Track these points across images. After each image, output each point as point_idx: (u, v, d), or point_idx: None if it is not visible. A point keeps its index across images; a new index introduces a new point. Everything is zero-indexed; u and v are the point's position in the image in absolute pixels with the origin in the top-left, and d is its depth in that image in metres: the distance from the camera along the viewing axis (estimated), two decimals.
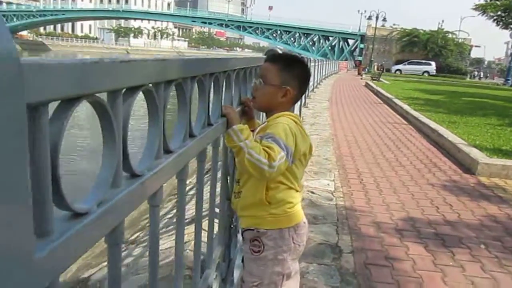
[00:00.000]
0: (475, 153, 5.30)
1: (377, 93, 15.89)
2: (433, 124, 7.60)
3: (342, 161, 5.27)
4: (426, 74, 43.91)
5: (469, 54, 60.17)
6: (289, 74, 1.58)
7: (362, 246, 2.90)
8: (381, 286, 2.42)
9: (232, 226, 1.83)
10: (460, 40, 56.13)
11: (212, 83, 1.25)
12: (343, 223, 3.27)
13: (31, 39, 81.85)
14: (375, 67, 37.61)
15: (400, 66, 46.05)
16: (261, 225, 1.55)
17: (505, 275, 2.64)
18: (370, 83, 20.78)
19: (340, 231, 3.12)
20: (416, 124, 8.46)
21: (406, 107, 10.44)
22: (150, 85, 0.81)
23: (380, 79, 25.33)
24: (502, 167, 4.85)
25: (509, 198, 4.15)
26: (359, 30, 61.13)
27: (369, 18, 53.60)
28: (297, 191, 1.59)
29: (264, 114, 1.79)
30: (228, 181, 1.70)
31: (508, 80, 35.22)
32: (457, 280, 2.53)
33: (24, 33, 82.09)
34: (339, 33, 63.27)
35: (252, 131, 1.65)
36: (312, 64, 11.45)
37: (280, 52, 2.86)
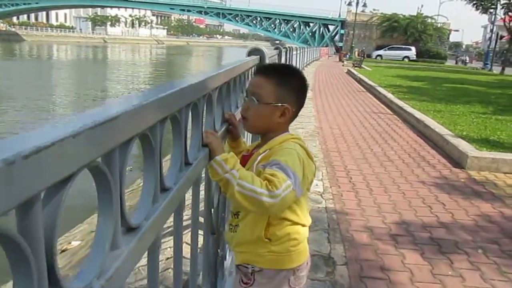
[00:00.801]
0: (463, 145, 5.19)
1: (359, 81, 15.79)
2: (418, 114, 7.50)
3: (329, 157, 5.11)
4: (406, 60, 44.09)
5: (448, 38, 60.63)
6: (285, 89, 1.36)
7: (356, 256, 2.74)
8: None
9: (218, 257, 1.63)
10: (439, 25, 56.43)
11: (190, 113, 1.03)
12: (335, 230, 3.11)
13: (3, 29, 79.29)
14: (356, 53, 37.59)
15: (381, 52, 46.09)
16: (258, 263, 1.35)
17: (506, 284, 2.52)
18: (352, 70, 20.68)
19: (332, 239, 2.95)
20: (401, 114, 8.36)
21: (390, 96, 10.33)
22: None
23: (362, 65, 25.25)
24: (491, 160, 4.76)
25: (501, 194, 4.05)
26: (340, 15, 60.90)
27: (349, 3, 53.40)
28: (304, 225, 1.37)
29: (249, 135, 1.58)
30: (212, 213, 1.49)
31: (487, 64, 35.59)
32: None
33: None
34: (320, 19, 62.92)
35: (242, 153, 1.46)
36: (294, 52, 11.23)
37: (268, 60, 2.63)
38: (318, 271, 2.52)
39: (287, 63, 8.37)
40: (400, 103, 9.07)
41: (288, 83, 1.38)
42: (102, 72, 26.94)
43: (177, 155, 0.97)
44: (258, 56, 2.52)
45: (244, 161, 1.35)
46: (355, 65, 25.50)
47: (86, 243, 4.66)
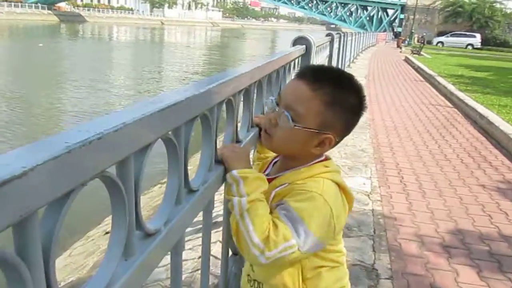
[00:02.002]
0: None
1: (417, 69, 15.00)
2: (481, 109, 6.93)
3: (380, 153, 4.80)
4: (470, 47, 41.59)
5: None
6: (336, 111, 0.99)
7: (403, 269, 2.50)
8: None
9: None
10: (508, 11, 52.63)
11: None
12: (381, 237, 2.86)
13: (68, 10, 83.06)
14: (416, 39, 35.89)
15: (442, 38, 43.74)
16: None
17: None
18: (410, 57, 19.71)
19: (377, 248, 2.72)
20: (461, 107, 7.79)
21: (450, 87, 9.68)
22: None
23: (421, 52, 24.04)
24: None
25: None
26: None
27: None
28: (343, 264, 1.11)
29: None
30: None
31: None
32: None
33: (62, 4, 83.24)
34: (378, 2, 60.58)
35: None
36: (349, 38, 10.80)
37: (315, 51, 2.33)
38: (359, 284, 2.31)
39: (340, 54, 7.77)
40: (461, 95, 8.46)
41: (342, 102, 1.00)
42: (159, 55, 27.54)
43: (207, 155, 0.90)
44: (304, 46, 2.31)
45: None
46: (414, 52, 24.33)
47: None
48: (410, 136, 5.68)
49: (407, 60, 19.23)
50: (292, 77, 1.90)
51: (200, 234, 3.18)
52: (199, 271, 2.47)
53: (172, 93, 0.64)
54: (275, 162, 1.14)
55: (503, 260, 2.67)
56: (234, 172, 0.94)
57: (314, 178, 0.98)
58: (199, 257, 2.73)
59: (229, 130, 1.02)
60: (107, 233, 4.87)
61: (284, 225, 0.90)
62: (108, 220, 5.53)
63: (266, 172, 1.10)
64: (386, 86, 10.66)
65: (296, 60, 2.15)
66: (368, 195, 3.54)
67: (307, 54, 2.34)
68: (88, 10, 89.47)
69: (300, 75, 1.04)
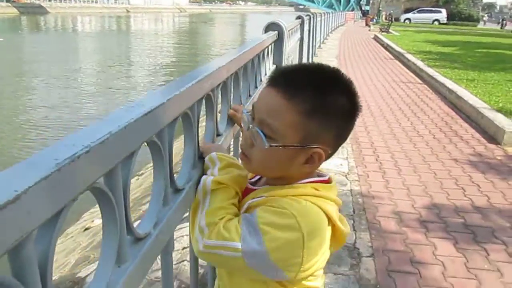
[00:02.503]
0: (500, 119, 4.86)
1: (387, 47, 15.17)
2: (450, 84, 7.10)
3: (355, 133, 4.87)
4: (436, 23, 42.24)
5: None
6: (321, 120, 0.81)
7: (383, 247, 2.57)
8: None
9: None
10: None
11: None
12: (360, 216, 2.93)
13: (28, 1, 79.95)
14: (383, 17, 36.22)
15: (409, 15, 44.24)
16: None
17: None
18: (379, 35, 19.90)
19: (357, 227, 2.78)
20: (431, 84, 7.95)
21: (419, 63, 9.86)
22: None
23: (390, 30, 24.29)
24: None
25: None
26: None
27: None
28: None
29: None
30: None
31: None
32: None
33: None
34: None
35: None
36: (318, 19, 10.81)
37: (287, 35, 2.23)
38: (342, 264, 2.36)
39: (310, 36, 7.48)
40: (431, 71, 8.63)
41: (327, 107, 0.81)
42: (126, 44, 26.89)
43: (190, 152, 0.88)
44: (276, 32, 2.29)
45: (244, 195, 0.91)
46: (382, 30, 24.55)
47: None
48: (383, 114, 5.78)
49: (376, 38, 19.41)
50: (266, 75, 1.84)
51: (183, 225, 3.17)
52: (184, 262, 2.48)
53: (153, 96, 0.64)
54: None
55: (477, 231, 2.78)
56: (214, 154, 0.89)
57: (295, 197, 0.82)
58: (183, 248, 2.73)
59: (209, 125, 1.01)
60: (86, 229, 4.80)
61: (238, 225, 0.79)
62: (87, 216, 5.45)
63: (253, 180, 0.97)
64: (357, 65, 10.76)
65: (270, 47, 2.15)
66: (346, 176, 3.60)
67: (279, 40, 2.33)
68: (50, 0, 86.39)
69: (271, 82, 0.85)
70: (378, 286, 2.21)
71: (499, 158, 4.14)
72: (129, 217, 0.56)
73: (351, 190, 3.32)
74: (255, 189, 0.90)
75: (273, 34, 2.19)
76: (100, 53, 21.36)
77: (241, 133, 1.02)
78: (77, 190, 0.40)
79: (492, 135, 4.76)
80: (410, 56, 11.16)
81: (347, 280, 2.25)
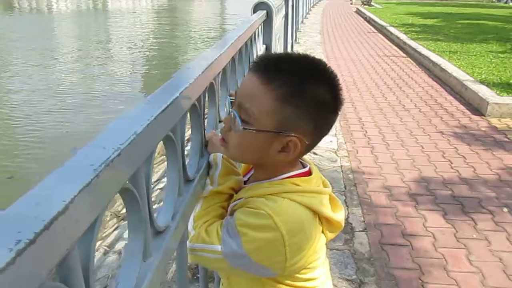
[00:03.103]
0: (483, 91, 4.93)
1: (369, 21, 15.12)
2: (434, 57, 7.14)
3: (342, 108, 4.88)
4: None
5: None
6: (297, 107, 0.80)
7: (375, 221, 2.63)
8: (401, 273, 2.17)
9: None
10: None
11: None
12: (351, 192, 2.98)
13: None
14: None
15: None
16: None
17: None
18: (361, 8, 19.79)
19: (349, 202, 2.83)
20: (415, 57, 7.98)
21: (402, 36, 9.86)
22: None
23: (371, 3, 24.16)
24: None
25: None
26: None
27: None
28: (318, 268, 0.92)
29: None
30: None
31: None
32: (484, 258, 2.29)
33: None
34: None
35: None
36: None
37: (275, 13, 2.23)
38: (336, 240, 2.42)
39: (294, 12, 7.42)
40: (414, 44, 8.65)
41: (304, 95, 0.79)
42: (105, 24, 26.20)
43: (197, 141, 0.89)
44: (265, 12, 2.28)
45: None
46: (364, 3, 24.40)
47: None
48: (369, 89, 5.81)
49: (358, 11, 19.31)
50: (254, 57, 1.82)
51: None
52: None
53: (166, 91, 0.64)
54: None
55: (465, 202, 2.86)
56: (219, 156, 0.89)
57: (271, 196, 0.81)
58: None
59: (211, 112, 1.02)
60: None
61: (219, 228, 0.82)
62: None
63: (246, 178, 0.97)
64: (341, 40, 10.73)
65: (259, 28, 2.13)
66: (336, 152, 3.64)
67: (268, 19, 2.32)
68: None
69: (254, 67, 0.84)
70: (372, 259, 2.27)
71: (483, 129, 4.23)
72: (152, 213, 0.57)
73: (341, 166, 3.37)
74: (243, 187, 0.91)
75: (262, 14, 2.17)
76: (79, 36, 20.83)
77: None
78: (112, 193, 0.41)
79: (476, 107, 4.84)
80: (393, 29, 11.15)
81: (342, 254, 2.31)
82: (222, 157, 0.90)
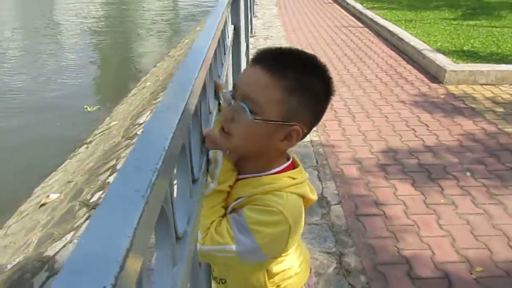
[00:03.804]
0: (441, 59, 5.10)
1: None
2: (391, 26, 7.27)
3: None
4: None
5: None
6: (301, 98, 0.85)
7: (348, 193, 2.71)
8: (378, 242, 2.27)
9: None
10: None
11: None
12: (324, 166, 3.05)
13: None
14: None
15: None
16: None
17: (496, 207, 2.56)
18: None
19: (322, 177, 2.90)
20: (372, 27, 8.10)
21: (358, 6, 9.95)
22: None
23: None
24: (469, 73, 4.71)
25: (480, 109, 4.05)
26: None
27: None
28: (297, 262, 1.03)
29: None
30: None
31: None
32: (452, 222, 2.42)
33: None
34: None
35: None
36: None
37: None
38: (314, 214, 2.48)
39: None
40: (370, 14, 8.76)
41: (307, 88, 0.86)
42: (49, 5, 24.76)
43: (197, 140, 0.87)
44: None
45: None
46: None
47: (65, 196, 4.52)
48: (331, 61, 5.87)
49: None
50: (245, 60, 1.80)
51: None
52: None
53: (172, 96, 0.63)
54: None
55: (431, 169, 2.99)
56: (220, 154, 0.89)
57: (276, 192, 0.86)
58: None
59: (203, 106, 1.00)
60: (42, 205, 4.65)
61: (229, 227, 0.85)
62: (38, 191, 5.26)
63: None
64: (298, 12, 10.70)
65: (228, 9, 2.09)
66: None
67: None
68: None
69: (257, 60, 0.88)
70: (349, 230, 2.35)
71: (442, 96, 4.39)
72: (176, 221, 0.57)
73: (311, 141, 3.42)
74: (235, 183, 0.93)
75: None
76: (21, 15, 19.65)
77: (219, 111, 1.05)
78: (157, 211, 0.41)
79: (434, 75, 5.01)
80: None
81: (321, 229, 2.37)
82: (223, 156, 0.90)
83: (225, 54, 1.65)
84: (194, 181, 0.77)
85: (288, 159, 0.97)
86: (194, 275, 0.81)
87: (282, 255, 0.95)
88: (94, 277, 0.28)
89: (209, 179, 0.88)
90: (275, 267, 0.96)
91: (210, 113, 1.06)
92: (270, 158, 0.93)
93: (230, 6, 2.23)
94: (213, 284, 1.09)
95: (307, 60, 0.90)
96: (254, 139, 0.87)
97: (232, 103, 0.87)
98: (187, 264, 0.59)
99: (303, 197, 0.91)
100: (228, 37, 1.94)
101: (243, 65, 2.55)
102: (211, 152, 0.90)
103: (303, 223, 0.93)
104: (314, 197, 0.96)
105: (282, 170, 0.92)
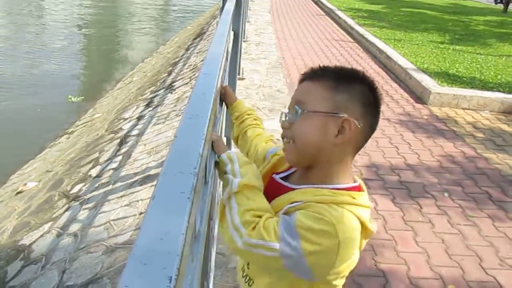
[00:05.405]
0: (426, 81, 5.24)
1: (317, 3, 15.31)
2: (380, 44, 7.43)
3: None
4: None
5: None
6: (345, 94, 0.93)
7: None
8: None
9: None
10: None
11: None
12: None
13: None
14: None
15: None
16: None
17: (471, 228, 2.65)
18: None
19: None
20: (362, 43, 8.26)
21: (350, 21, 10.13)
22: None
23: None
24: (453, 96, 4.85)
25: (461, 132, 4.18)
26: None
27: None
28: None
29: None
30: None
31: None
32: (428, 239, 2.50)
33: None
34: None
35: (267, 167, 1.08)
36: None
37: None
38: None
39: None
40: (361, 30, 8.93)
41: (348, 86, 0.93)
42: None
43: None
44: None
45: (269, 187, 0.98)
46: None
47: (43, 185, 4.46)
48: None
49: None
50: None
51: (134, 189, 3.13)
52: None
53: (196, 102, 0.66)
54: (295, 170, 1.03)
55: (411, 187, 3.08)
56: (231, 152, 0.94)
57: (332, 204, 0.86)
58: (141, 213, 2.74)
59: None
60: (18, 192, 4.57)
61: (276, 226, 0.84)
62: (15, 178, 5.17)
63: (282, 175, 1.02)
64: (290, 21, 10.82)
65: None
66: None
67: (238, 6, 2.32)
68: None
69: (302, 78, 1.00)
70: None
71: (425, 117, 4.52)
72: (195, 220, 0.60)
73: None
74: (292, 189, 0.95)
75: (233, 3, 2.17)
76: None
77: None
78: (197, 212, 0.45)
79: (419, 95, 5.15)
80: (340, 13, 11.40)
81: None
82: (235, 153, 0.95)
83: (227, 59, 1.69)
84: (206, 183, 0.81)
85: (355, 182, 0.97)
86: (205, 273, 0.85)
87: None
88: (161, 269, 0.31)
89: (230, 177, 0.89)
90: None
91: (216, 117, 1.10)
92: (335, 170, 0.94)
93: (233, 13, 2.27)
94: (240, 280, 1.07)
95: (346, 69, 0.98)
96: (309, 132, 0.91)
97: (287, 113, 0.96)
98: (201, 261, 0.63)
99: (361, 222, 0.87)
100: (229, 42, 1.98)
101: (239, 68, 2.60)
102: (222, 154, 0.93)
103: (356, 250, 0.87)
104: (373, 228, 0.91)
105: (346, 188, 0.92)
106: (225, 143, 1.02)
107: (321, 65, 1.00)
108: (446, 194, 3.02)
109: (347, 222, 0.84)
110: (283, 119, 0.97)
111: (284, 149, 0.97)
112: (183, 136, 0.54)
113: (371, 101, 0.95)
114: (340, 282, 0.92)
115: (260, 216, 0.86)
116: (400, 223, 2.64)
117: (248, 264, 1.03)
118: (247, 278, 1.03)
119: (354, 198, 0.89)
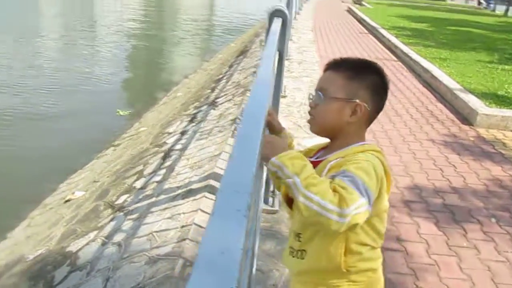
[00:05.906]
0: (473, 101, 5.10)
1: (361, 21, 15.27)
2: (424, 63, 7.30)
3: None
4: None
5: None
6: (357, 82, 1.21)
7: None
8: (397, 277, 2.28)
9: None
10: None
11: None
12: None
13: None
14: None
15: None
16: None
17: None
18: (353, 8, 19.95)
19: None
20: (406, 61, 8.14)
21: (394, 40, 10.03)
22: None
23: (362, 2, 24.36)
24: (501, 118, 4.69)
25: (510, 155, 4.03)
26: None
27: None
28: (379, 248, 1.26)
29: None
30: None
31: (491, 3, 33.36)
32: (474, 266, 2.42)
33: None
34: None
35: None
36: None
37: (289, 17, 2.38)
38: None
39: (290, 7, 7.53)
40: (406, 49, 8.81)
41: (362, 76, 1.21)
42: (85, 9, 25.59)
43: None
44: (281, 20, 2.34)
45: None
46: (355, 1, 24.60)
47: (90, 194, 4.64)
48: None
49: (350, 11, 19.45)
50: None
51: (176, 203, 3.20)
52: (186, 241, 2.55)
53: (249, 123, 0.70)
54: (323, 149, 1.30)
55: (455, 210, 2.99)
56: (273, 159, 1.05)
57: (365, 153, 1.15)
58: (182, 226, 2.81)
59: None
60: (67, 201, 4.78)
61: (351, 188, 1.02)
62: (64, 187, 5.41)
63: (315, 157, 1.27)
64: (333, 40, 10.83)
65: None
66: None
67: (283, 26, 2.37)
68: None
69: (326, 67, 1.29)
70: None
71: (472, 139, 4.39)
72: None
73: None
74: (323, 159, 1.21)
75: (279, 23, 2.23)
76: (61, 13, 20.38)
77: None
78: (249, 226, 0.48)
79: (465, 116, 5.01)
80: (384, 32, 11.31)
81: None
82: (276, 157, 1.07)
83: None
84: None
85: (363, 139, 1.25)
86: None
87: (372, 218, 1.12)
88: (223, 280, 0.35)
89: (290, 181, 1.03)
90: (354, 245, 1.15)
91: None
92: (350, 134, 1.22)
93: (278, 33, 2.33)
94: (289, 261, 1.25)
95: (361, 61, 1.29)
96: (329, 114, 1.21)
97: (313, 95, 1.25)
98: (248, 276, 0.65)
99: (382, 163, 1.15)
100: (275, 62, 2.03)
101: (282, 87, 2.64)
102: (269, 165, 1.06)
103: (384, 184, 1.14)
104: (390, 173, 1.20)
105: (361, 144, 1.21)
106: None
107: (343, 58, 1.29)
108: (493, 220, 2.91)
109: (375, 160, 1.13)
110: (310, 99, 1.26)
111: (309, 121, 1.26)
112: (238, 156, 0.58)
113: (380, 87, 1.24)
114: (380, 224, 1.20)
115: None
116: (443, 248, 2.57)
117: (299, 236, 1.22)
118: (299, 253, 1.22)
119: (371, 146, 1.21)
